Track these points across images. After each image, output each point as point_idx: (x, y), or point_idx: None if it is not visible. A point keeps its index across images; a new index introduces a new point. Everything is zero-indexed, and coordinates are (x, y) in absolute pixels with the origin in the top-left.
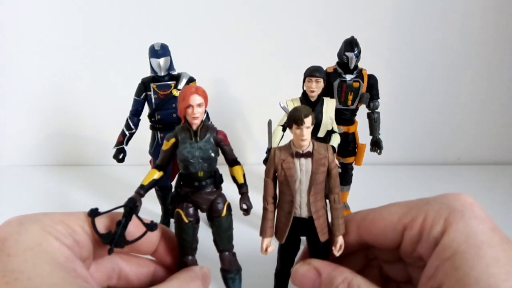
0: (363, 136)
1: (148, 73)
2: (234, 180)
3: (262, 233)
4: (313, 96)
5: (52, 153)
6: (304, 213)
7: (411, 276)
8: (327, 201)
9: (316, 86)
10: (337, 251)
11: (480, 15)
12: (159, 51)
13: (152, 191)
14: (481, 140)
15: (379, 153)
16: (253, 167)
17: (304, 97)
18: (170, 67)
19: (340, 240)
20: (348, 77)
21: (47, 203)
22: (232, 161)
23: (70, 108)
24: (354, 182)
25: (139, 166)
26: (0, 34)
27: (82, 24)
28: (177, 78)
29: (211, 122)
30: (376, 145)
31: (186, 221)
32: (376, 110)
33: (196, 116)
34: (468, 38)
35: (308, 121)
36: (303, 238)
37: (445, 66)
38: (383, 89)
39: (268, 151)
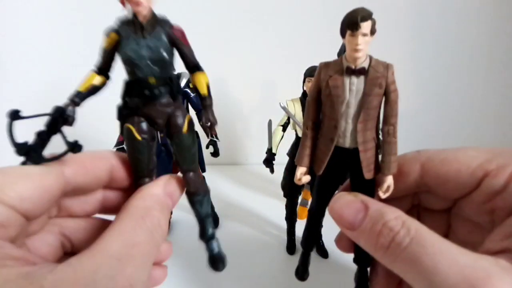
0: None
1: None
2: (196, 90)
3: (299, 161)
4: None
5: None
6: (348, 143)
7: (452, 227)
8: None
9: None
10: (383, 193)
11: (477, 17)
12: None
13: None
14: (481, 140)
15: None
16: (254, 167)
17: (304, 97)
18: None
19: (388, 181)
20: None
21: None
22: (193, 67)
23: None
24: None
25: None
26: None
27: (82, 24)
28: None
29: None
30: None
31: (139, 138)
32: None
33: (139, 1)
34: (468, 39)
35: (366, 26)
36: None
37: (445, 67)
38: None
39: (269, 151)
